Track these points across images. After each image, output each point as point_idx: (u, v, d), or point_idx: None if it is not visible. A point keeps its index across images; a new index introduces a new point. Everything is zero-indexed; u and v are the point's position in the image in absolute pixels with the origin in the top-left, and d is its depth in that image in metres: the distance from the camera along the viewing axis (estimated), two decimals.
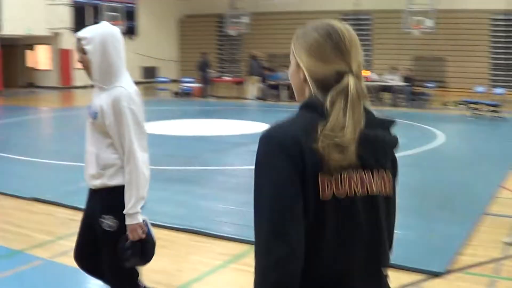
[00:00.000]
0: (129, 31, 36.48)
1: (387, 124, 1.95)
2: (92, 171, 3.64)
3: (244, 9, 35.02)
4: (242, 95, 25.52)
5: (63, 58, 33.13)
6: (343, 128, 1.77)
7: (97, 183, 3.64)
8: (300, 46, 1.98)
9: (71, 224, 6.71)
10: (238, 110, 21.63)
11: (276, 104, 22.67)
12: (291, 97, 23.69)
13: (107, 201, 3.64)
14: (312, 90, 1.92)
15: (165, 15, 39.77)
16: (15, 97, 27.97)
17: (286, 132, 1.82)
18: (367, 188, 1.85)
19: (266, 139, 1.82)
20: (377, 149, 1.89)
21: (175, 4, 40.42)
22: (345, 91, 1.82)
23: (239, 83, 28.31)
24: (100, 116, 3.61)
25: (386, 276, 1.98)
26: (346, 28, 1.97)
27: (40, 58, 34.70)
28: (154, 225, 6.50)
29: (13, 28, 30.36)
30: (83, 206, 7.11)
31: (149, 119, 13.52)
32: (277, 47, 34.70)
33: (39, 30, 31.87)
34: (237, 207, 7.63)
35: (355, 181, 1.82)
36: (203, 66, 25.63)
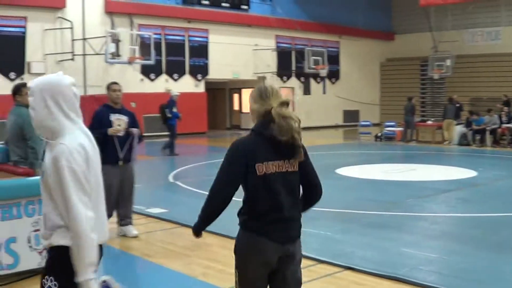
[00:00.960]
0: (332, 75, 37.03)
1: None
2: (42, 231, 3.36)
3: (449, 51, 34.32)
4: (445, 140, 24.89)
5: None
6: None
7: (45, 243, 3.34)
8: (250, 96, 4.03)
9: None
10: (440, 155, 21.03)
11: (480, 150, 21.87)
12: (496, 142, 22.80)
13: (49, 262, 3.35)
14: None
15: (367, 58, 39.90)
16: (219, 139, 29.28)
17: (240, 142, 3.93)
18: (282, 168, 3.87)
19: (231, 145, 3.92)
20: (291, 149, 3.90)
21: (377, 48, 40.48)
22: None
23: (441, 127, 27.58)
24: (45, 175, 3.32)
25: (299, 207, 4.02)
26: (270, 85, 4.01)
27: (246, 101, 36.06)
28: (356, 270, 6.60)
29: (220, 73, 31.97)
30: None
31: (351, 162, 13.67)
32: (480, 90, 33.64)
33: (246, 74, 33.25)
34: (442, 256, 7.36)
35: (276, 165, 3.85)
36: (410, 110, 25.29)
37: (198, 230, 4.14)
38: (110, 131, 8.14)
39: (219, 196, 3.90)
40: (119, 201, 8.45)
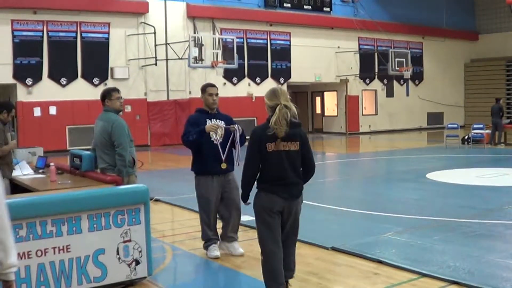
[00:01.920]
0: (415, 77, 36.23)
1: (298, 125, 5.58)
2: None
3: None
4: None
5: (350, 104, 33.76)
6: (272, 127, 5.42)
7: None
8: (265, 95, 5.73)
9: (375, 278, 6.52)
10: None
11: None
12: None
13: None
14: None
15: (451, 59, 38.90)
16: None
17: (256, 129, 5.66)
18: (287, 148, 5.49)
19: (251, 132, 5.62)
20: (292, 133, 5.48)
21: (461, 48, 39.45)
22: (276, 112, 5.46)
23: None
24: None
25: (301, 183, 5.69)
26: (279, 87, 5.94)
27: (328, 104, 35.67)
28: (462, 284, 6.15)
29: (302, 76, 31.69)
30: (386, 259, 7.04)
31: (441, 167, 13.10)
32: None
33: (328, 77, 32.90)
34: None
35: (283, 144, 5.46)
36: (497, 112, 24.38)
37: (244, 198, 5.88)
38: (208, 127, 7.27)
39: (248, 170, 5.62)
40: (223, 216, 7.67)
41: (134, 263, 6.23)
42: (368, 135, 33.39)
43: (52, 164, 8.01)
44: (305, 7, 31.60)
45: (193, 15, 27.92)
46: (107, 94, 7.87)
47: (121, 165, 7.56)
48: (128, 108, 26.09)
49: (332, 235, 8.60)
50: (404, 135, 33.13)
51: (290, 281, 5.95)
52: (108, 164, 7.67)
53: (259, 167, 5.56)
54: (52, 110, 24.56)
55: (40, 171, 8.66)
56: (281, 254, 5.64)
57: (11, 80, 24.04)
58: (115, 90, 7.97)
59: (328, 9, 32.55)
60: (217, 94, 7.63)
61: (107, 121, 7.69)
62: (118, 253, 6.15)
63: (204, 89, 7.66)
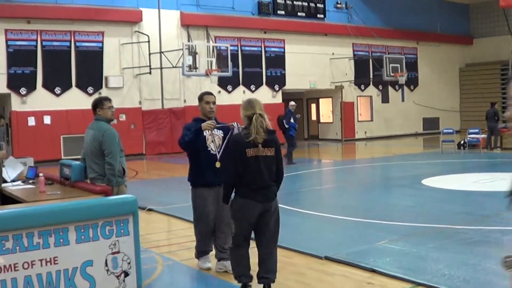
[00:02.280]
0: (410, 82, 36.23)
1: (273, 132, 6.16)
2: None
3: None
4: None
5: (345, 110, 33.70)
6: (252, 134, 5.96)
7: None
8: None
9: None
10: None
11: None
12: None
13: None
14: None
15: (446, 64, 38.95)
16: (297, 150, 28.80)
17: (235, 136, 6.26)
18: (265, 153, 6.00)
19: (232, 138, 6.42)
20: (269, 140, 6.03)
21: (456, 53, 39.53)
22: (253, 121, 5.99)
23: None
24: None
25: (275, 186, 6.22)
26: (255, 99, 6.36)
27: (323, 111, 35.62)
28: None
29: (297, 83, 31.66)
30: (380, 268, 6.94)
31: (436, 172, 12.99)
32: None
33: (323, 84, 32.86)
34: None
35: (259, 150, 5.96)
36: (492, 116, 24.35)
37: (225, 200, 6.28)
38: (205, 125, 6.97)
39: (229, 173, 6.12)
40: (216, 230, 7.35)
41: (123, 275, 6.11)
42: (364, 142, 33.31)
43: (41, 174, 7.90)
44: (299, 14, 31.59)
45: (187, 23, 27.86)
46: (98, 103, 7.80)
47: (110, 174, 7.47)
48: (122, 117, 26.03)
49: (325, 244, 8.51)
50: (400, 140, 33.08)
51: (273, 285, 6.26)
52: (98, 174, 7.58)
53: (239, 170, 6.00)
54: (47, 120, 24.46)
55: (30, 181, 8.55)
56: (248, 254, 6.27)
57: (5, 90, 23.95)
58: (107, 99, 7.89)
59: (322, 15, 32.55)
60: (214, 102, 7.41)
61: (98, 130, 7.61)
62: (106, 265, 6.02)
63: (201, 97, 7.48)
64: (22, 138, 23.88)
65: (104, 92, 25.46)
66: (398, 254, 7.74)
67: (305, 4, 31.87)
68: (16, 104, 24.11)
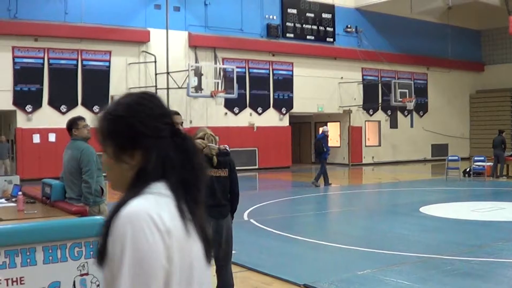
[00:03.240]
0: (420, 108, 36.11)
1: (227, 153, 6.45)
2: None
3: None
4: None
5: (353, 135, 33.56)
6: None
7: None
8: None
9: None
10: None
11: None
12: None
13: None
14: None
15: (456, 90, 38.81)
16: (303, 173, 28.73)
17: None
18: (217, 174, 6.26)
19: None
20: (223, 161, 6.31)
21: (466, 79, 39.40)
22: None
23: None
24: None
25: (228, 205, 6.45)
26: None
27: (331, 135, 35.45)
28: None
29: (304, 106, 31.59)
30: None
31: (437, 200, 12.81)
32: None
33: (331, 108, 32.79)
34: None
35: (214, 171, 6.21)
36: (499, 144, 24.15)
37: None
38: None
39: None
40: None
41: None
42: (371, 167, 33.13)
43: (20, 193, 7.85)
44: (308, 37, 31.60)
45: (195, 44, 27.94)
46: (73, 124, 7.80)
47: (87, 193, 7.41)
48: None
49: (306, 270, 8.37)
50: (408, 166, 32.88)
51: None
52: (76, 194, 7.52)
53: None
54: (52, 137, 24.47)
55: (13, 199, 8.50)
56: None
57: (11, 107, 24.04)
58: (81, 118, 7.89)
59: (331, 39, 32.56)
60: (182, 123, 7.29)
61: (76, 149, 7.59)
62: (74, 286, 5.94)
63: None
64: (26, 155, 23.92)
65: None
66: (379, 284, 7.58)
67: (315, 27, 31.89)
68: (22, 121, 24.18)
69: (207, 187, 5.66)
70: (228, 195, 6.44)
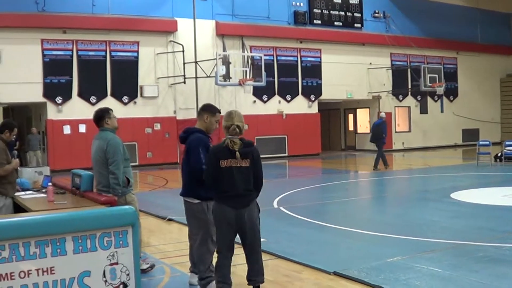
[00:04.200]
0: (450, 93, 35.74)
1: (250, 143, 6.40)
2: None
3: None
4: None
5: None
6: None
7: None
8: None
9: None
10: None
11: None
12: None
13: None
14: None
15: (486, 74, 38.31)
16: (333, 160, 28.63)
17: (212, 148, 6.61)
18: (239, 164, 6.27)
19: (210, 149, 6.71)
20: (246, 152, 6.29)
21: (497, 63, 38.88)
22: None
23: None
24: None
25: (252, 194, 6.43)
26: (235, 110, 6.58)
27: (360, 121, 35.31)
28: None
29: (333, 93, 31.43)
30: (386, 286, 6.76)
31: (468, 186, 12.61)
32: None
33: (360, 94, 32.60)
34: None
35: (233, 161, 6.26)
36: None
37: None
38: None
39: (207, 180, 6.44)
40: None
41: (121, 286, 6.05)
42: (402, 153, 32.90)
43: (50, 184, 7.93)
44: (335, 23, 31.42)
45: (222, 33, 27.95)
46: (105, 114, 7.81)
47: (114, 184, 7.44)
48: (157, 126, 26.22)
49: (336, 258, 8.33)
50: (438, 152, 32.60)
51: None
52: (102, 185, 7.56)
53: (214, 178, 6.34)
54: (82, 128, 24.72)
55: (44, 190, 8.59)
56: (228, 262, 6.48)
57: (42, 99, 24.32)
58: (111, 109, 7.93)
59: (359, 25, 32.34)
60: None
61: (103, 139, 7.63)
62: (104, 276, 5.97)
63: (215, 113, 7.10)
64: (57, 146, 24.18)
65: (139, 101, 25.74)
66: (409, 271, 7.50)
67: (342, 13, 31.69)
68: (52, 112, 24.44)
69: (227, 178, 6.29)
70: (251, 185, 6.37)
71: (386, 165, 22.82)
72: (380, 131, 22.68)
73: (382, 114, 23.73)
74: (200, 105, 27.19)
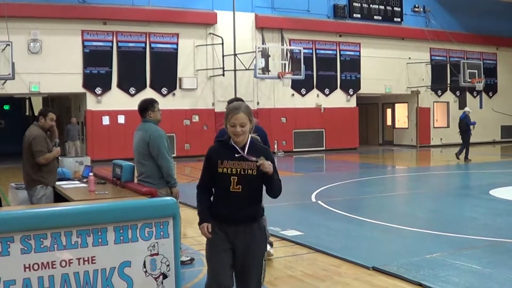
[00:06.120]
0: (489, 89, 35.25)
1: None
2: None
3: None
4: None
5: (421, 116, 33.04)
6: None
7: None
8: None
9: None
10: None
11: None
12: None
13: None
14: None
15: None
16: (370, 155, 28.48)
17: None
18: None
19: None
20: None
21: None
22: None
23: None
24: None
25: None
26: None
27: (398, 116, 35.04)
28: None
29: (372, 87, 31.23)
30: (426, 282, 6.71)
31: (507, 183, 12.42)
32: None
33: (399, 88, 32.33)
34: None
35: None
36: None
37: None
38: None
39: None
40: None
41: (161, 277, 6.09)
42: (440, 148, 32.58)
43: (91, 174, 8.02)
44: (375, 17, 31.21)
45: (261, 25, 27.94)
46: (150, 106, 7.80)
47: (167, 175, 7.47)
48: (195, 118, 26.35)
49: (376, 254, 8.28)
50: (476, 148, 32.15)
51: None
52: (144, 175, 7.61)
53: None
54: (121, 119, 24.93)
55: (84, 180, 8.69)
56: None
57: (81, 89, 24.60)
58: (156, 101, 7.91)
59: (399, 19, 32.06)
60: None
61: (146, 131, 7.64)
62: (144, 266, 6.02)
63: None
64: (96, 136, 24.45)
65: (178, 93, 25.89)
66: (449, 268, 7.44)
67: (382, 7, 31.46)
68: (91, 103, 24.71)
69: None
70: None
71: (466, 159, 23.87)
72: (465, 124, 24.28)
73: (466, 109, 25.52)
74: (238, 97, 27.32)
